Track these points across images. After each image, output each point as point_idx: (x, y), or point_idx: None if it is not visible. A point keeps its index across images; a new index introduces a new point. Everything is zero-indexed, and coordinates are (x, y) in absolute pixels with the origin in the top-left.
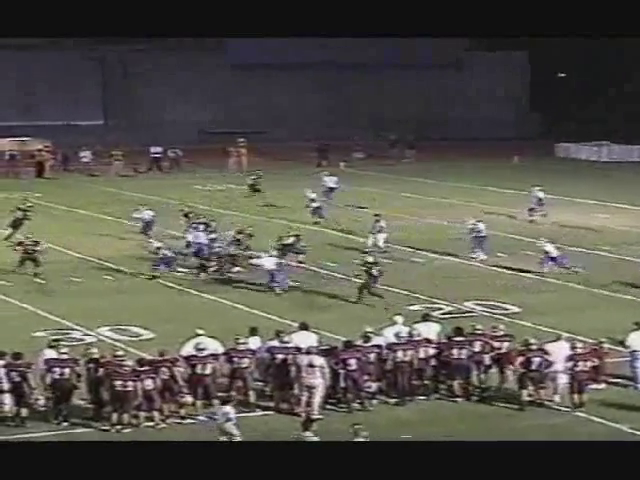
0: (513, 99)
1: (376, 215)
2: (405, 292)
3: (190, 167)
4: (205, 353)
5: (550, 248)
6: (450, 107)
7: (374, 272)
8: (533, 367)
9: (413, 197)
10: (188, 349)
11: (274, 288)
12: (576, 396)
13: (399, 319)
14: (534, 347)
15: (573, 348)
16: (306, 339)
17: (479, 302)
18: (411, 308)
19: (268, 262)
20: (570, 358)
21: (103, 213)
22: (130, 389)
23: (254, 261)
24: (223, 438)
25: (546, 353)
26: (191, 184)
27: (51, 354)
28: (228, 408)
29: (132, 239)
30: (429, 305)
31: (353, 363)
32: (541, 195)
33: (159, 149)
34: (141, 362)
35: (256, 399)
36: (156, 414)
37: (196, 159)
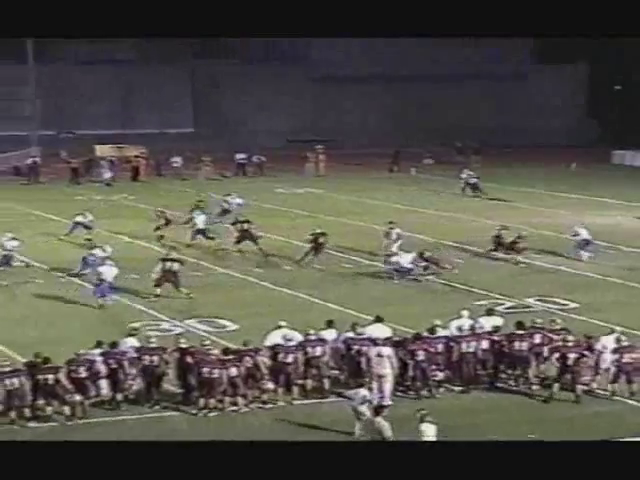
0: (572, 109)
1: (390, 223)
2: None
3: (272, 172)
4: (290, 344)
5: (584, 233)
6: (514, 116)
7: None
8: (570, 362)
9: (476, 200)
10: (273, 339)
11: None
12: (619, 386)
13: (465, 313)
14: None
15: (618, 341)
16: (380, 331)
17: (540, 298)
18: (477, 303)
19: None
20: (615, 351)
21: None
22: (216, 376)
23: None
24: (356, 420)
25: (589, 347)
26: (272, 187)
27: (133, 342)
28: (365, 391)
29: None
30: (493, 300)
31: (421, 354)
32: (585, 234)
33: (244, 155)
34: (226, 351)
35: (331, 387)
36: (240, 399)
37: (279, 165)
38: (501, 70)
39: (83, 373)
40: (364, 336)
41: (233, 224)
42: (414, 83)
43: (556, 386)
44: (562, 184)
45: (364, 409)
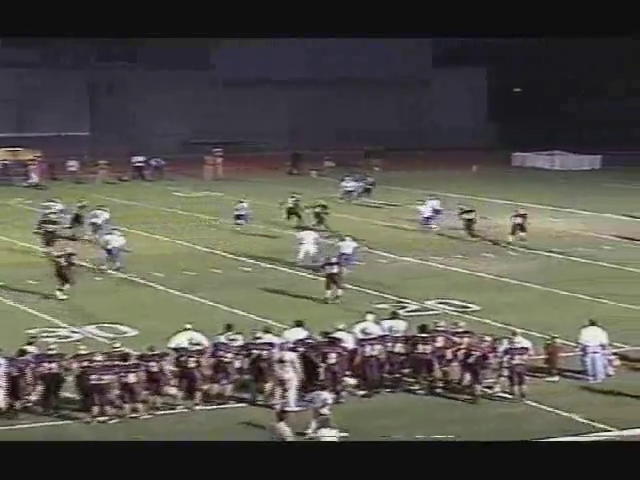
0: (474, 111)
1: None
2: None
3: (172, 176)
4: (196, 347)
5: (435, 203)
6: (416, 120)
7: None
8: (471, 361)
9: (379, 204)
10: (178, 342)
11: None
12: (516, 387)
13: (370, 316)
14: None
15: (510, 342)
16: (297, 335)
17: (441, 300)
18: (380, 306)
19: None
20: (506, 352)
21: None
22: (106, 382)
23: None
24: (316, 422)
25: (493, 349)
26: (171, 191)
27: (33, 350)
28: (326, 394)
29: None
30: (396, 304)
31: (333, 357)
32: (437, 205)
33: (141, 158)
34: (125, 357)
35: (234, 391)
36: (140, 406)
37: (178, 168)
38: (404, 73)
39: None
40: (263, 340)
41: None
42: (318, 86)
43: (477, 386)
44: (464, 186)
45: (326, 411)
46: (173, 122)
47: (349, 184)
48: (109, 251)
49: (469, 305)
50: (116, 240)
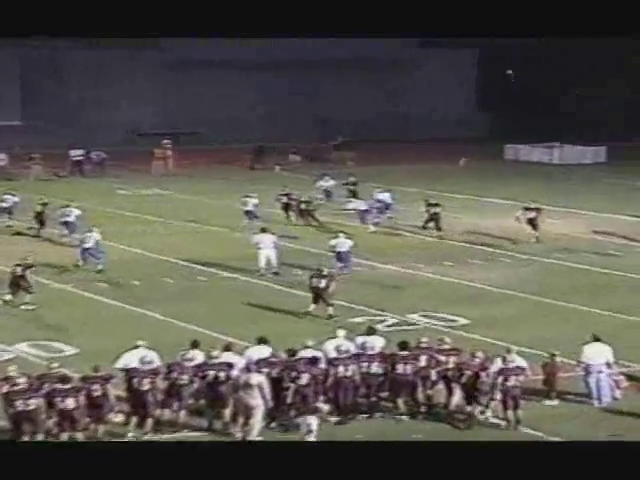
0: (461, 97)
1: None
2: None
3: (116, 171)
4: (148, 367)
5: (386, 196)
6: (394, 106)
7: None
8: (463, 380)
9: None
10: (127, 362)
11: None
12: (510, 412)
13: (341, 332)
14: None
15: (504, 361)
16: (261, 354)
17: (425, 314)
18: (355, 320)
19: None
20: (500, 372)
21: None
22: (32, 408)
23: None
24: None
25: (484, 368)
26: (115, 189)
27: None
28: (312, 419)
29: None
30: (372, 317)
31: (305, 377)
32: (383, 197)
33: (80, 152)
34: (64, 379)
35: (189, 417)
36: (80, 435)
37: (123, 162)
38: (383, 53)
39: None
40: (219, 361)
41: None
42: (283, 70)
43: (477, 409)
44: (451, 182)
45: (312, 438)
46: (118, 110)
47: (328, 183)
48: (86, 250)
49: (456, 318)
50: (94, 238)
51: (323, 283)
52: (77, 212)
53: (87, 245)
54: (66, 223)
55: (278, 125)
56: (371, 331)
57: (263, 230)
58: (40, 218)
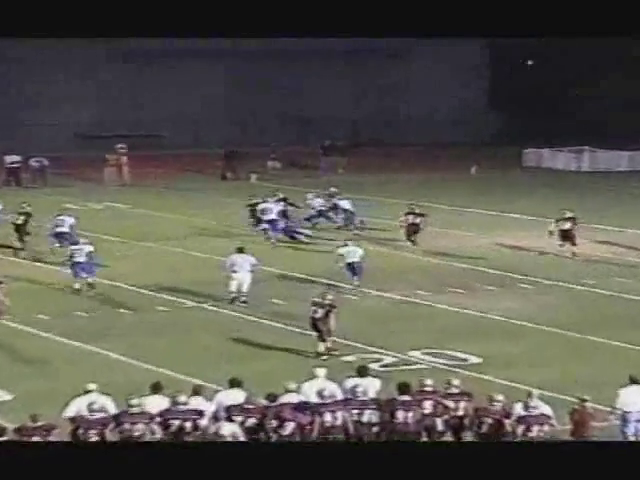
0: (470, 95)
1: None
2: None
3: (60, 180)
4: (98, 415)
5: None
6: (391, 105)
7: None
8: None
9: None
10: (77, 409)
11: None
12: None
13: (321, 372)
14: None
15: (526, 408)
16: (235, 399)
17: (429, 350)
18: (345, 359)
19: None
20: (521, 421)
21: None
22: None
23: None
24: None
25: (507, 415)
26: (59, 201)
27: None
28: None
29: None
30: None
31: (290, 426)
32: (347, 206)
33: (17, 158)
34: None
35: None
36: None
37: (69, 171)
38: (377, 42)
39: None
40: (187, 408)
41: None
42: (258, 60)
43: None
44: (460, 195)
45: None
46: (62, 108)
47: (314, 201)
48: (76, 264)
49: (466, 356)
50: (87, 250)
51: (320, 313)
52: (71, 220)
53: (78, 259)
54: (59, 234)
55: (253, 126)
56: (363, 372)
57: (240, 250)
58: (21, 232)
